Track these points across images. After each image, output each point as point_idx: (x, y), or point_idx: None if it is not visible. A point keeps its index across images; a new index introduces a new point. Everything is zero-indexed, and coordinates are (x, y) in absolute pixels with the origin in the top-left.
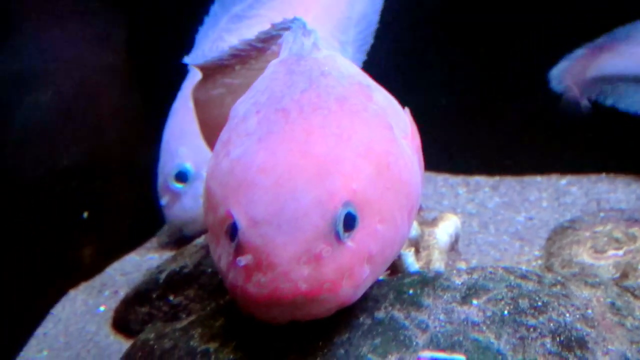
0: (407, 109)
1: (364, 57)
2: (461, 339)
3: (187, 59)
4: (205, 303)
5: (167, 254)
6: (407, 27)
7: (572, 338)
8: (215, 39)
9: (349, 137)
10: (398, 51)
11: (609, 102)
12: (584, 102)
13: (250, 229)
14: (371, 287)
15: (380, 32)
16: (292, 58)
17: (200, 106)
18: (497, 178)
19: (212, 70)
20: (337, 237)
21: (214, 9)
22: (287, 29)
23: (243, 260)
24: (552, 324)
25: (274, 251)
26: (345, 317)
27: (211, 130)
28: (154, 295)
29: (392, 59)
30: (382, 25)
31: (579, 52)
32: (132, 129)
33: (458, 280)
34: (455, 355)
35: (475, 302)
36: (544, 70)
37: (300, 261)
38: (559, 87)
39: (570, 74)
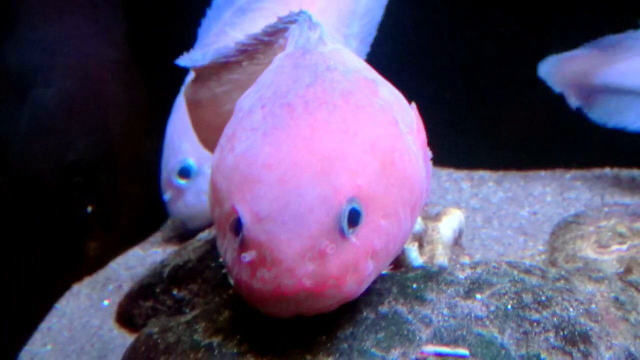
0: (413, 104)
1: (367, 49)
2: (465, 333)
3: (183, 61)
4: (209, 297)
5: (171, 249)
6: (413, 22)
7: (576, 333)
8: (219, 33)
9: (354, 132)
10: (404, 45)
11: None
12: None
13: (255, 225)
14: (375, 282)
15: (386, 26)
16: (298, 52)
17: (203, 105)
18: (501, 173)
19: (216, 69)
20: (342, 233)
21: (217, 1)
22: (294, 22)
23: (247, 256)
24: (555, 319)
25: (279, 247)
26: (349, 311)
27: (216, 128)
28: (158, 290)
29: (397, 53)
30: (388, 19)
31: (581, 53)
32: (136, 123)
33: (462, 275)
34: (458, 350)
35: (478, 296)
36: None
37: (304, 257)
38: (556, 88)
39: (567, 75)
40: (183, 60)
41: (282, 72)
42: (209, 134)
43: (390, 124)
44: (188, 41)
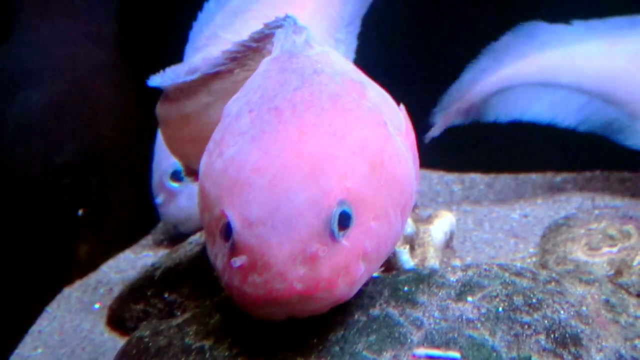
0: (402, 106)
1: (353, 56)
2: (456, 336)
3: (154, 82)
4: (200, 300)
5: (162, 252)
6: (402, 25)
7: (567, 335)
8: (210, 35)
9: (342, 135)
10: (393, 48)
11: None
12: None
13: (245, 230)
14: (366, 284)
15: (377, 29)
16: (284, 56)
17: (191, 119)
18: (492, 175)
19: (205, 81)
20: (332, 236)
21: (208, 4)
22: (280, 26)
23: (238, 261)
24: (546, 321)
25: (269, 251)
26: (341, 314)
27: (204, 140)
28: (149, 293)
29: (387, 56)
30: (379, 22)
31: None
32: (126, 126)
33: (453, 278)
34: (450, 353)
35: (470, 299)
36: None
37: (295, 261)
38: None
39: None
40: (154, 81)
41: (268, 76)
42: (194, 147)
43: (379, 125)
44: (179, 43)
